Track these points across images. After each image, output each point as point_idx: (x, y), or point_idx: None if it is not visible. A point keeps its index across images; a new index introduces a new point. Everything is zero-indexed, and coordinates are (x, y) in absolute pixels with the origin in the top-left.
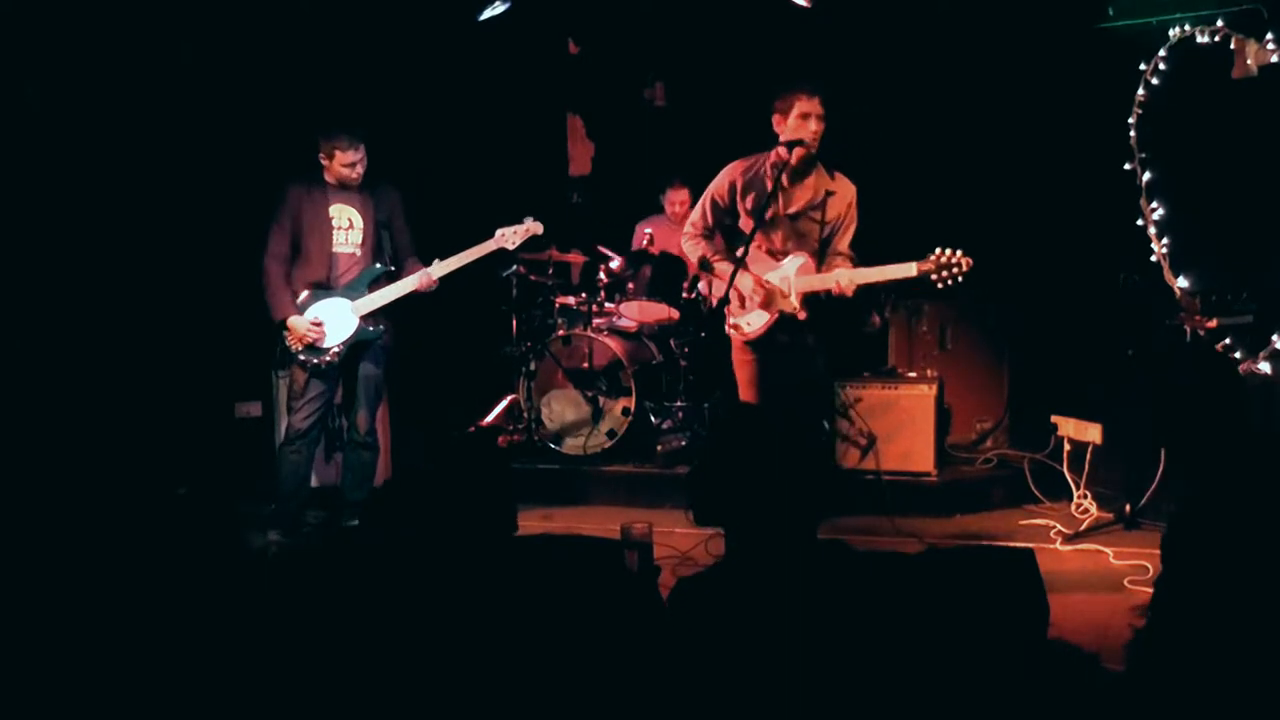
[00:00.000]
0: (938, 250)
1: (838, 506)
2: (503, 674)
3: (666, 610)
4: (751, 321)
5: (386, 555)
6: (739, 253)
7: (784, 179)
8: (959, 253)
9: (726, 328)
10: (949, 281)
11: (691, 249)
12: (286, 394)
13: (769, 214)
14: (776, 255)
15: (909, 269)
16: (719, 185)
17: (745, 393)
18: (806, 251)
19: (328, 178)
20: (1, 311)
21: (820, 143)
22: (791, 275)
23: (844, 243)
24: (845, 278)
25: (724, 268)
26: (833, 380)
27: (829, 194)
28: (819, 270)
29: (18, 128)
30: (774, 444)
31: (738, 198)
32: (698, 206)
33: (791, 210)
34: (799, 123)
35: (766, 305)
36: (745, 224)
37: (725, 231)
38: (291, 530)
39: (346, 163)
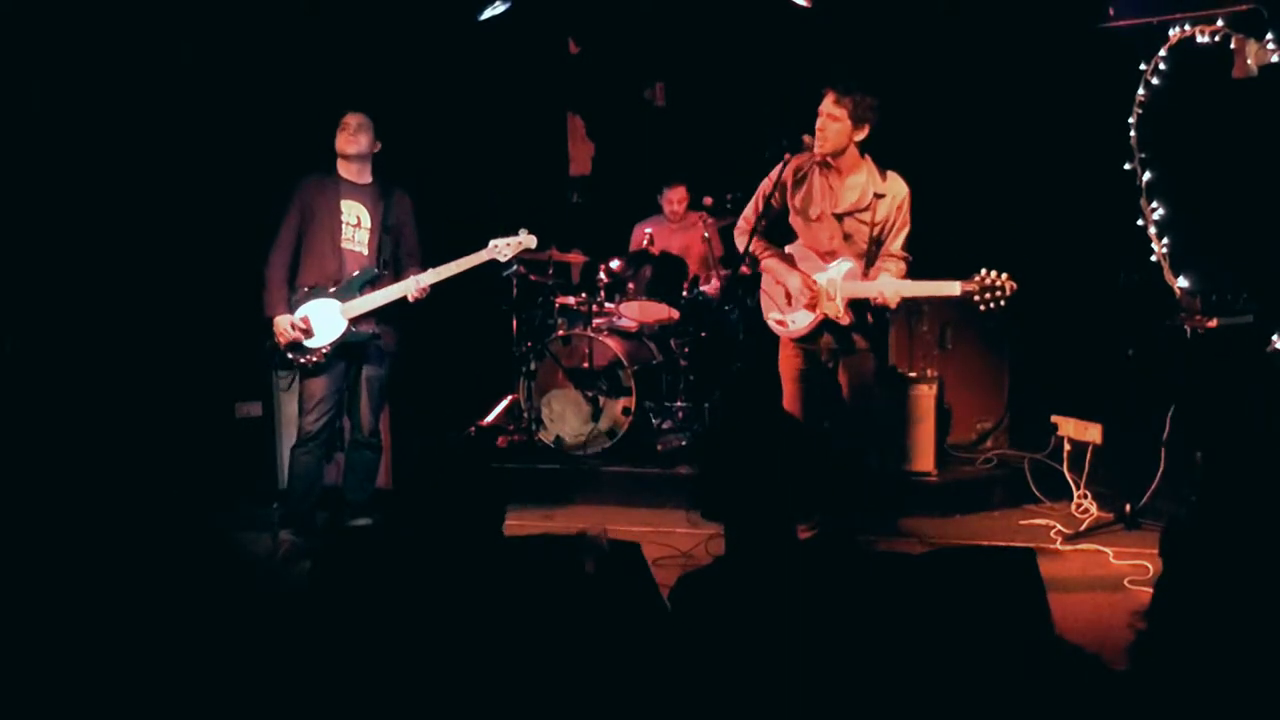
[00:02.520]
0: (983, 271)
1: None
2: (502, 673)
3: (667, 607)
4: (796, 320)
5: (383, 556)
6: (786, 249)
7: (830, 178)
8: (1004, 275)
9: (769, 323)
10: (991, 305)
11: (740, 243)
12: (297, 397)
13: (816, 212)
14: (825, 255)
15: (952, 288)
16: (767, 181)
17: (788, 392)
18: (854, 253)
19: (340, 171)
20: (2, 311)
21: (863, 137)
22: (839, 279)
23: (895, 244)
24: (890, 289)
25: (770, 263)
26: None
27: (877, 196)
28: (866, 274)
29: (18, 128)
30: (779, 441)
31: (788, 193)
32: (752, 199)
33: (838, 210)
34: (817, 123)
35: (813, 306)
36: (794, 220)
37: (774, 227)
38: (303, 530)
39: (343, 124)
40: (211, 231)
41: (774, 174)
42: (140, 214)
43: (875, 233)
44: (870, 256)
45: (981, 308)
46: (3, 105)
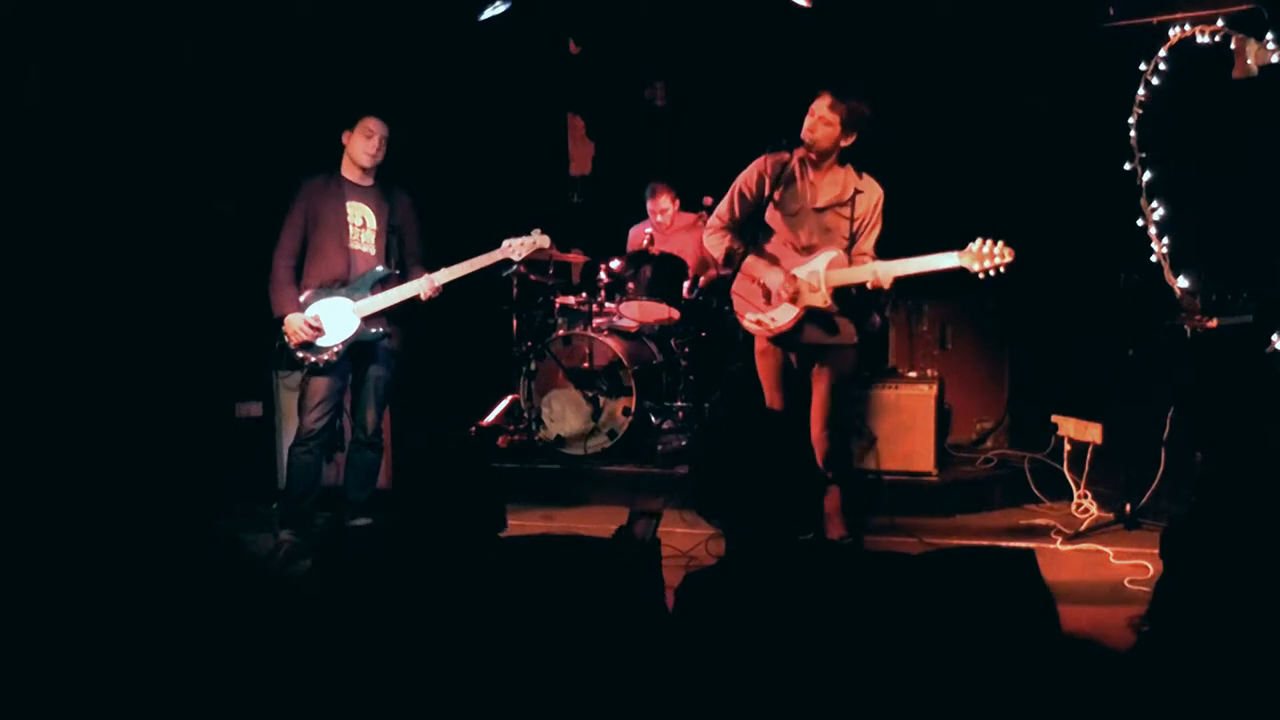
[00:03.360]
0: (978, 240)
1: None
2: (503, 675)
3: (672, 607)
4: (777, 317)
5: (384, 556)
6: (765, 246)
7: (810, 174)
8: (1000, 244)
9: (745, 324)
10: (991, 273)
11: (715, 243)
12: (298, 395)
13: (795, 207)
14: (802, 250)
15: (950, 259)
16: (747, 176)
17: (769, 392)
18: (835, 247)
19: (344, 173)
20: (2, 311)
21: (849, 144)
22: (822, 269)
23: (867, 243)
24: (882, 269)
25: (752, 261)
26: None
27: (857, 192)
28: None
29: (18, 127)
30: (770, 442)
31: (766, 189)
32: (724, 199)
33: (819, 204)
34: (806, 120)
35: (794, 300)
36: (771, 216)
37: (749, 225)
38: (303, 530)
39: (367, 131)
40: (212, 231)
41: (751, 170)
42: (140, 214)
43: (854, 228)
44: (847, 252)
45: (981, 275)
46: (3, 104)
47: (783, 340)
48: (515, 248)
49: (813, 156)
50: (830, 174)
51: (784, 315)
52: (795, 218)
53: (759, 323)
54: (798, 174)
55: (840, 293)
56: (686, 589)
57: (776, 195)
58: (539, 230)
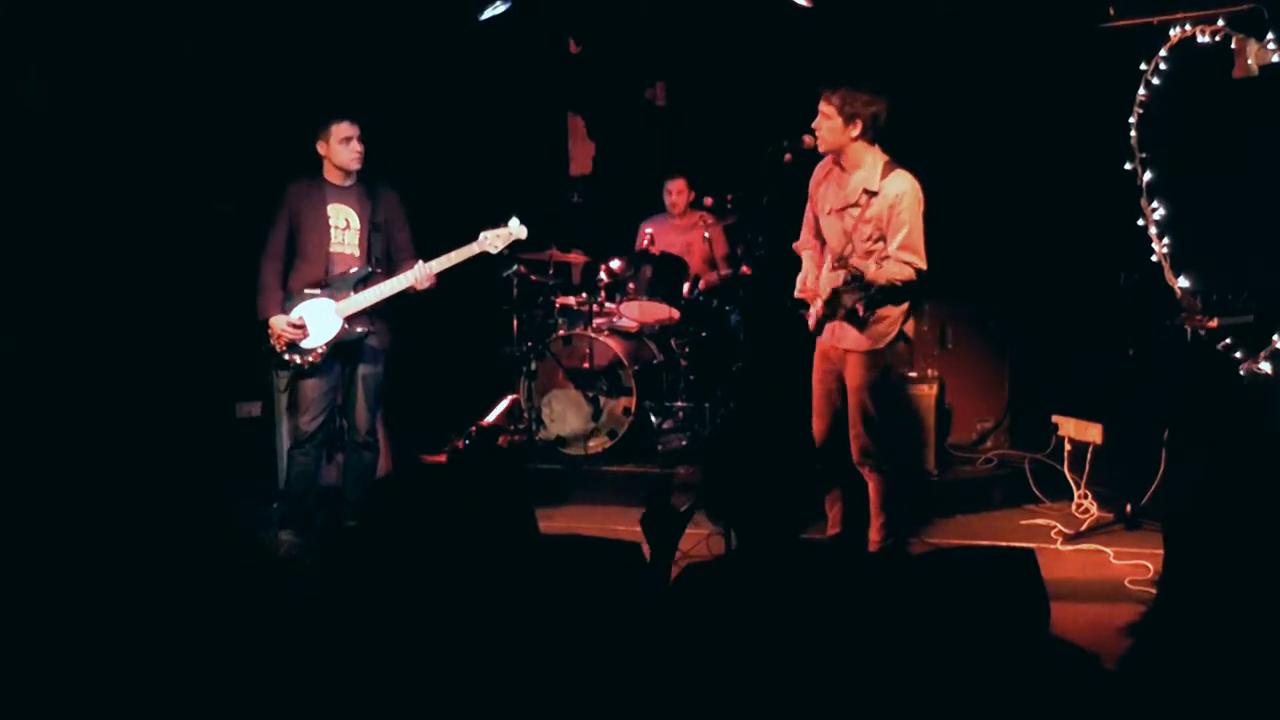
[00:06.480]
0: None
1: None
2: (510, 673)
3: (672, 597)
4: (811, 316)
5: (393, 555)
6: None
7: (837, 176)
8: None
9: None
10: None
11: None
12: (286, 397)
13: (826, 210)
14: (833, 254)
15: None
16: (810, 186)
17: (814, 393)
18: (861, 250)
19: (327, 175)
20: (2, 311)
21: (857, 133)
22: (827, 272)
23: (893, 245)
24: (840, 277)
25: (806, 264)
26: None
27: (868, 193)
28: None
29: (17, 126)
30: (773, 443)
31: (813, 197)
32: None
33: (835, 207)
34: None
35: (814, 300)
36: (820, 220)
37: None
38: (303, 531)
39: (343, 136)
40: (212, 232)
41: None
42: (141, 215)
43: (872, 229)
44: (872, 253)
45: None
46: (3, 104)
47: (822, 341)
48: (491, 239)
49: (837, 159)
50: (852, 175)
51: (813, 315)
52: (827, 220)
53: (807, 317)
54: (833, 177)
55: (837, 299)
56: (684, 581)
57: (818, 199)
58: (515, 220)
